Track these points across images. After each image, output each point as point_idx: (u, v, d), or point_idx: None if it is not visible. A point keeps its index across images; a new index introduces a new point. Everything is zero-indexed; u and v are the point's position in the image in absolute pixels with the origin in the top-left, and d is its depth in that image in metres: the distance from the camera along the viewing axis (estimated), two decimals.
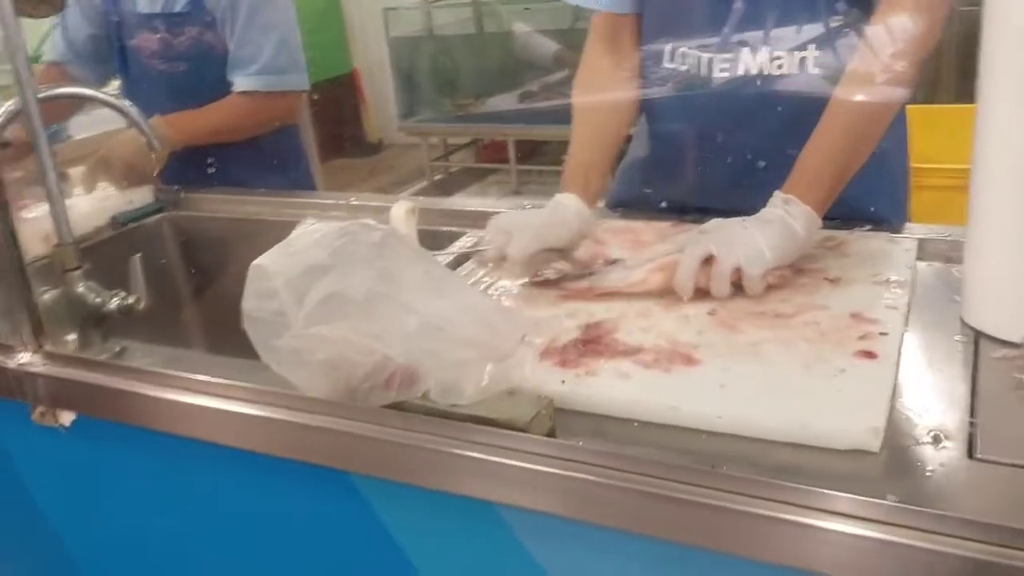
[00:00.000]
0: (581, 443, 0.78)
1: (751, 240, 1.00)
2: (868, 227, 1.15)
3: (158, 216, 1.66)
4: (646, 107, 1.33)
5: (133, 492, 1.04)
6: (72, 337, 1.03)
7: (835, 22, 1.14)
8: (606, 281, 1.05)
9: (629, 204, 1.36)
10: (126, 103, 1.31)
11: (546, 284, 1.08)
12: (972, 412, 0.78)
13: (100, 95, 1.29)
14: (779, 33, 1.17)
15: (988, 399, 0.79)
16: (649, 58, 1.28)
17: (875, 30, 1.07)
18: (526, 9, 5.36)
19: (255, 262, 0.88)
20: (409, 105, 5.47)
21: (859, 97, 1.06)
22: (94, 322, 1.05)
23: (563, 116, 4.62)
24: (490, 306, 0.85)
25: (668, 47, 1.24)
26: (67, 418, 1.01)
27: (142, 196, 1.67)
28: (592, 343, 0.95)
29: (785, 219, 1.02)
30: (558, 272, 1.09)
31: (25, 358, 1.02)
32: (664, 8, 1.25)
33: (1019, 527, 0.60)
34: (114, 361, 1.02)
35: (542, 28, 5.07)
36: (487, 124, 5.19)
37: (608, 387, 0.86)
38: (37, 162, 0.99)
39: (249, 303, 0.87)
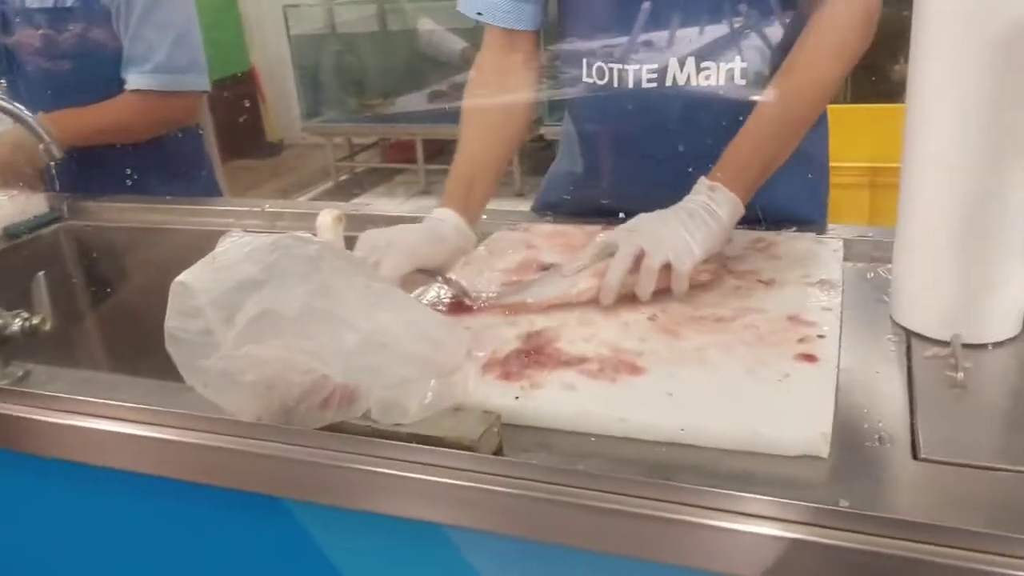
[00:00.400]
0: (535, 460, 0.76)
1: (678, 235, 1.00)
2: (794, 228, 1.17)
3: (54, 226, 1.56)
4: (572, 111, 1.32)
5: (44, 526, 0.96)
6: None
7: (740, 23, 1.15)
8: (547, 294, 1.03)
9: (557, 207, 1.35)
10: (15, 105, 1.21)
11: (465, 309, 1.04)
12: (912, 413, 0.79)
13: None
14: (694, 36, 1.17)
15: (926, 399, 0.81)
16: (569, 65, 1.26)
17: (809, 32, 1.09)
18: (430, 7, 5.32)
19: (178, 279, 0.82)
20: (313, 105, 5.34)
21: (790, 94, 1.08)
22: None
23: None
24: (434, 320, 0.82)
25: (585, 60, 1.23)
26: None
27: (36, 205, 1.56)
28: (535, 353, 0.93)
29: (709, 206, 1.02)
30: (461, 291, 1.05)
31: None
32: (582, 17, 1.24)
33: (976, 529, 0.61)
34: (17, 387, 0.94)
35: (447, 26, 5.03)
36: (395, 124, 5.12)
37: (555, 400, 0.85)
38: None
39: (172, 322, 0.81)
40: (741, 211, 1.05)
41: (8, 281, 1.03)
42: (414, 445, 0.78)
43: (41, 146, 1.20)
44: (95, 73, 1.72)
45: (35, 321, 0.95)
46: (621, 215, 1.20)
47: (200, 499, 0.87)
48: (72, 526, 0.95)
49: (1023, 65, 0.80)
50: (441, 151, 5.66)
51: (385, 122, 5.18)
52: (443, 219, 1.11)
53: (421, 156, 5.20)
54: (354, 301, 0.78)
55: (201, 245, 1.44)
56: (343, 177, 5.68)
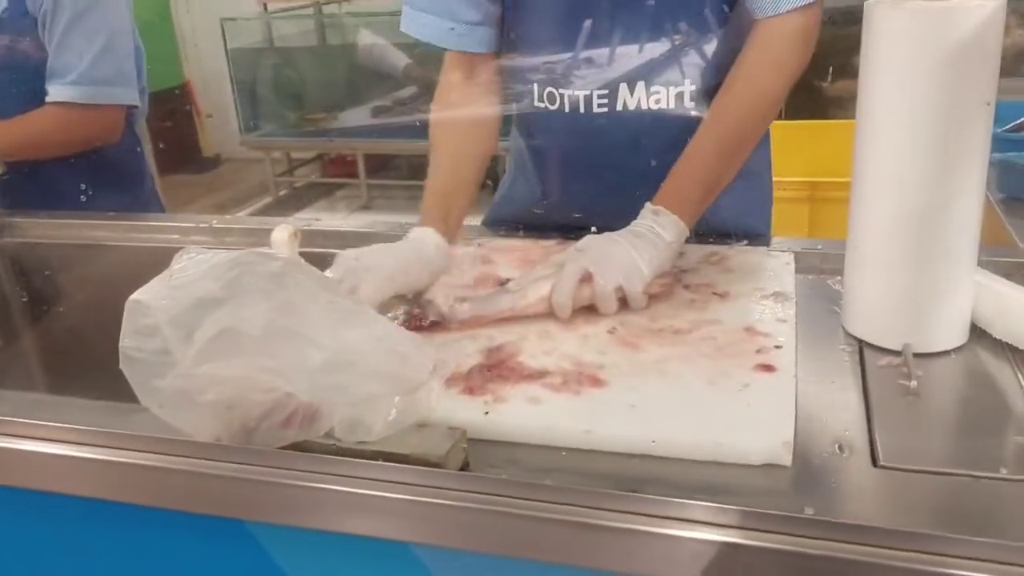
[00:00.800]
0: (503, 475, 0.76)
1: (627, 257, 1.02)
2: (745, 241, 1.20)
3: None
4: (522, 130, 1.33)
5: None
6: None
7: (680, 41, 1.17)
8: (494, 307, 1.02)
9: (509, 222, 1.35)
10: None
11: (425, 327, 1.02)
12: (869, 421, 0.82)
13: None
14: (636, 55, 1.18)
15: (881, 407, 0.83)
16: (519, 84, 1.27)
17: (747, 50, 1.11)
18: (370, 21, 5.29)
19: (133, 297, 0.80)
20: (252, 119, 5.26)
21: (730, 115, 1.10)
22: None
23: (415, 131, 4.61)
24: (400, 336, 0.81)
25: (536, 84, 1.24)
26: None
27: None
28: (496, 368, 0.93)
29: (655, 229, 1.05)
30: (438, 314, 1.03)
31: None
32: (527, 39, 1.24)
33: (938, 533, 0.63)
34: None
35: (387, 40, 5.01)
36: (336, 139, 5.06)
37: (520, 414, 0.84)
38: None
39: (127, 341, 0.79)
40: (686, 232, 1.08)
41: None
42: (380, 463, 0.77)
43: None
44: (23, 86, 1.66)
45: None
46: (574, 230, 1.22)
47: (157, 524, 0.84)
48: (22, 555, 0.91)
49: (969, 83, 0.83)
50: (383, 166, 5.63)
51: (326, 136, 5.13)
52: (423, 239, 1.11)
53: (363, 171, 5.16)
54: (319, 318, 0.77)
55: (145, 262, 1.42)
56: (283, 192, 5.60)
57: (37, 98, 1.65)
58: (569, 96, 1.20)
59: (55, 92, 1.63)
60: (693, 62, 1.17)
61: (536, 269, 1.08)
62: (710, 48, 1.16)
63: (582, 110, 1.20)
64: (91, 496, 0.84)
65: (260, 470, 0.79)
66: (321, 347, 0.77)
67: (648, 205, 1.08)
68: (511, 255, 1.21)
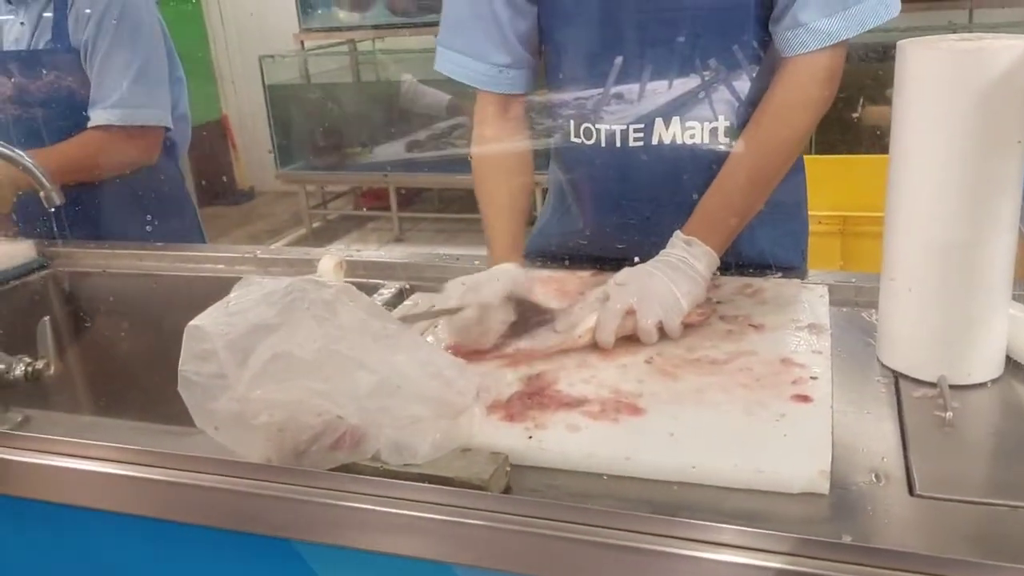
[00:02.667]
0: (548, 499, 0.78)
1: (666, 291, 1.05)
2: (779, 274, 1.21)
3: (42, 273, 1.55)
4: (561, 165, 1.36)
5: (52, 573, 0.95)
6: None
7: (710, 76, 1.20)
8: (542, 346, 1.05)
9: (548, 254, 1.38)
10: (15, 151, 1.22)
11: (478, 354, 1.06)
12: (905, 450, 0.83)
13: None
14: (667, 91, 1.22)
15: (917, 437, 0.84)
16: (556, 120, 1.31)
17: (775, 87, 1.14)
18: (403, 58, 5.41)
19: (192, 323, 0.84)
20: (287, 152, 5.37)
21: (758, 150, 1.14)
22: None
23: (447, 165, 4.67)
24: (445, 361, 0.84)
25: (572, 120, 1.28)
26: None
27: (24, 252, 1.56)
28: (536, 395, 0.95)
29: (689, 260, 1.08)
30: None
31: None
32: (564, 78, 1.28)
33: (976, 560, 0.64)
34: (19, 432, 0.93)
35: (421, 78, 5.12)
36: (372, 172, 5.15)
37: (560, 440, 0.87)
38: None
39: (186, 365, 0.83)
40: (717, 262, 1.11)
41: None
42: (425, 485, 0.79)
43: (42, 193, 1.20)
44: (71, 117, 1.75)
45: (39, 366, 0.95)
46: (610, 262, 1.24)
47: (209, 543, 0.87)
48: (77, 572, 0.94)
49: (1001, 121, 0.85)
50: (414, 199, 5.71)
51: (359, 170, 5.22)
52: (509, 271, 1.15)
53: (395, 204, 5.24)
54: (369, 343, 0.80)
55: (193, 290, 1.47)
56: (316, 224, 5.69)
57: (83, 127, 1.76)
58: (605, 131, 1.24)
59: (95, 117, 1.74)
60: (726, 98, 1.20)
61: (577, 306, 1.09)
62: (743, 84, 1.19)
63: (618, 144, 1.24)
64: (145, 515, 0.87)
65: (309, 491, 0.81)
66: (370, 371, 0.80)
67: (679, 234, 1.12)
68: (548, 286, 1.24)
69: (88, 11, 1.71)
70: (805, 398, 0.89)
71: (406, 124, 5.07)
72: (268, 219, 6.01)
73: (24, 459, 0.90)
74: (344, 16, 5.51)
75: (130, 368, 1.24)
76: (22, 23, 1.75)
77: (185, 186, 2.01)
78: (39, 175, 1.20)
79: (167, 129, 1.85)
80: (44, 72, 1.74)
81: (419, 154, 4.81)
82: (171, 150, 1.92)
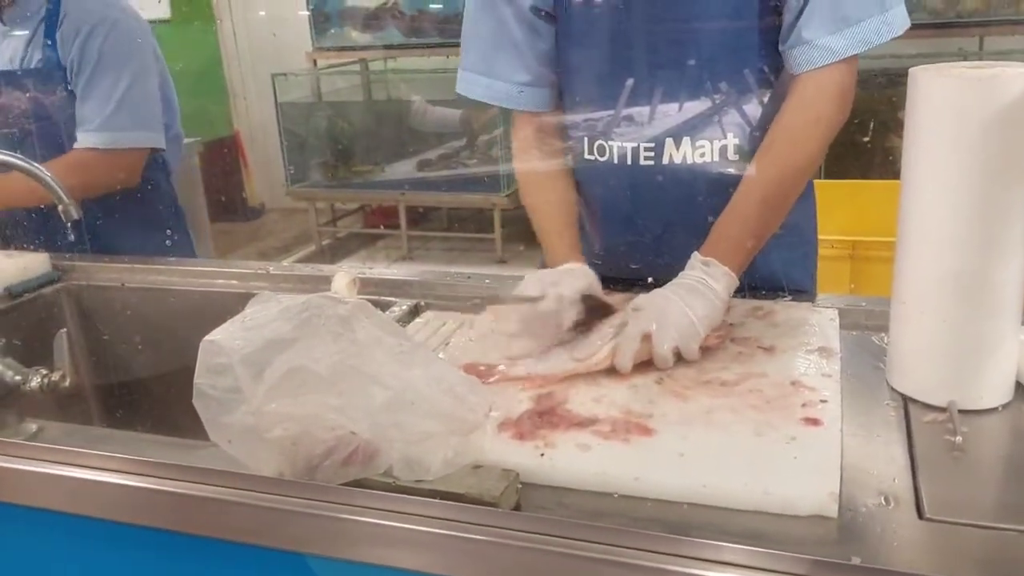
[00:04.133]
0: (558, 516, 0.78)
1: (683, 317, 1.05)
2: (789, 297, 1.22)
3: (55, 286, 1.57)
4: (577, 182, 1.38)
5: None
6: None
7: (720, 100, 1.22)
8: (556, 369, 1.05)
9: None
10: (34, 165, 1.24)
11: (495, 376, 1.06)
12: (914, 474, 0.83)
13: (20, 162, 1.21)
14: (679, 112, 1.23)
15: (927, 461, 0.84)
16: (571, 138, 1.32)
17: (786, 108, 1.15)
18: (413, 78, 5.46)
19: (207, 337, 0.85)
20: (298, 169, 5.41)
21: (772, 169, 1.14)
22: (10, 401, 0.97)
23: (459, 185, 4.69)
24: (458, 378, 0.85)
25: (586, 137, 1.30)
26: None
27: (37, 265, 1.57)
28: (547, 414, 0.95)
29: (707, 282, 1.09)
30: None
31: None
32: (577, 97, 1.31)
33: None
34: (33, 442, 0.94)
35: (434, 97, 5.17)
36: (382, 190, 5.19)
37: (571, 459, 0.87)
38: None
39: (201, 379, 0.83)
40: (735, 283, 1.12)
41: (10, 339, 1.04)
42: (437, 501, 0.80)
43: (60, 207, 1.22)
44: (58, 135, 1.78)
45: (55, 378, 0.96)
46: (624, 281, 1.25)
47: (220, 556, 0.87)
48: None
49: (1012, 148, 0.86)
50: (422, 218, 5.74)
51: (369, 188, 5.25)
52: (579, 268, 1.19)
53: (404, 222, 5.27)
54: (383, 359, 0.81)
55: (205, 305, 1.48)
56: (325, 241, 5.72)
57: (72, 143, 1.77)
58: (616, 149, 1.25)
59: (81, 139, 1.75)
60: (736, 119, 1.21)
61: (594, 332, 1.10)
62: (753, 105, 1.20)
63: (629, 163, 1.25)
64: (157, 527, 0.88)
65: (321, 505, 0.82)
66: (384, 387, 0.81)
67: (697, 255, 1.12)
68: None
69: (75, 31, 1.72)
70: (815, 421, 0.90)
71: (417, 143, 5.11)
72: (278, 236, 6.04)
73: (38, 469, 0.91)
74: (356, 36, 5.57)
75: (142, 381, 1.25)
76: (16, 41, 1.77)
77: (179, 204, 2.01)
78: (57, 189, 1.22)
79: (159, 150, 1.85)
80: (33, 91, 1.76)
81: (429, 173, 4.84)
82: (163, 168, 1.93)
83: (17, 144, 1.79)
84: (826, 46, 1.11)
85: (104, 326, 1.48)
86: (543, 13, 1.26)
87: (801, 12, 1.12)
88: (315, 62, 5.63)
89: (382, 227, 5.67)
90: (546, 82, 1.31)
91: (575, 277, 1.14)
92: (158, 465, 0.88)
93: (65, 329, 0.99)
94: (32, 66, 1.77)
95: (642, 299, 1.09)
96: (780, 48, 1.16)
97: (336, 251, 5.61)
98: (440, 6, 5.28)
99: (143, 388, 1.25)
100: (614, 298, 1.20)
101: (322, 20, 5.58)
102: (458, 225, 5.72)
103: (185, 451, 0.94)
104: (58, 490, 0.91)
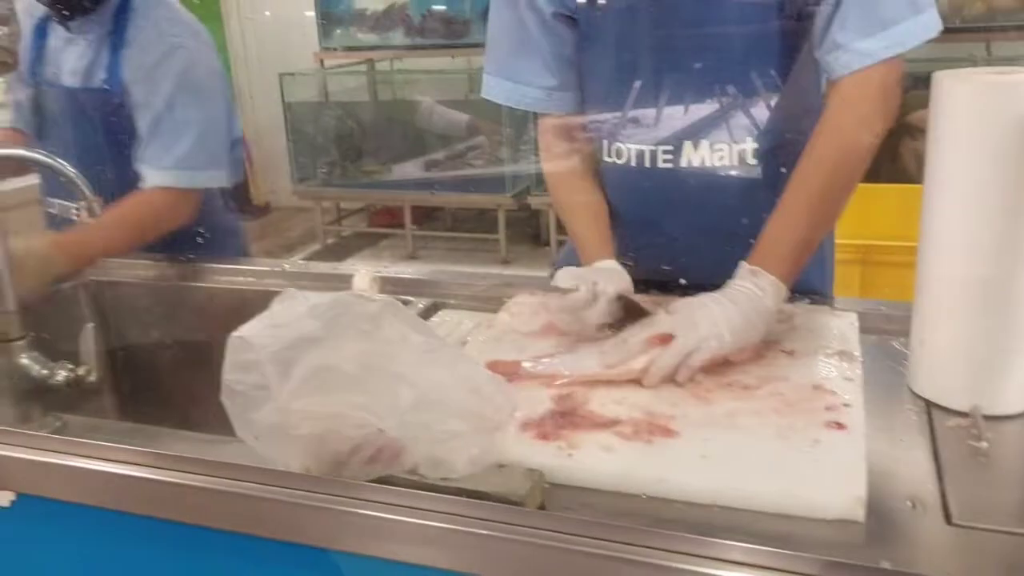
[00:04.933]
0: (586, 516, 0.78)
1: (717, 331, 1.01)
2: (807, 300, 1.22)
3: (73, 282, 1.57)
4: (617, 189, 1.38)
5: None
6: (12, 412, 0.95)
7: (729, 102, 1.21)
8: (580, 369, 1.04)
9: None
10: (58, 160, 1.24)
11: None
12: (940, 479, 0.83)
13: (40, 157, 1.22)
14: (698, 115, 1.23)
15: (952, 467, 0.85)
16: (590, 139, 1.33)
17: (829, 111, 1.15)
18: (419, 78, 5.47)
19: (236, 334, 0.85)
20: (305, 169, 5.42)
21: (818, 174, 1.12)
22: (36, 395, 0.98)
23: (464, 185, 4.69)
24: (484, 377, 0.85)
25: (605, 140, 1.30)
26: (5, 498, 0.93)
27: None
28: (568, 415, 0.96)
29: (755, 293, 1.05)
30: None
31: None
32: (596, 98, 1.31)
33: None
34: (61, 436, 0.94)
35: (440, 98, 5.18)
36: (388, 190, 5.20)
37: (593, 460, 0.87)
38: None
39: (230, 375, 0.84)
40: (785, 294, 1.08)
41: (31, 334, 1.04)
42: (463, 499, 0.80)
43: (83, 203, 1.22)
44: (115, 159, 1.64)
45: (80, 372, 0.96)
46: (640, 283, 1.25)
47: (244, 551, 0.88)
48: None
49: None
50: (426, 217, 5.75)
51: (375, 188, 5.26)
52: (613, 265, 1.19)
53: (409, 222, 5.28)
54: (411, 357, 0.81)
55: (221, 302, 1.48)
56: (330, 240, 5.73)
57: (128, 163, 1.64)
58: (634, 151, 1.26)
59: (151, 177, 1.61)
60: (755, 121, 1.21)
61: (627, 335, 1.06)
62: (774, 107, 1.20)
63: (647, 165, 1.25)
64: (182, 521, 0.88)
65: (346, 501, 0.82)
66: (411, 385, 0.81)
67: (745, 265, 1.08)
68: None
69: (143, 56, 1.60)
70: (839, 425, 0.90)
71: (423, 143, 5.12)
72: (283, 234, 6.05)
73: (64, 463, 0.91)
74: (363, 36, 5.58)
75: (161, 377, 1.26)
76: (79, 52, 1.65)
77: (239, 224, 1.91)
78: (80, 185, 1.22)
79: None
80: (90, 111, 1.64)
81: (436, 173, 4.85)
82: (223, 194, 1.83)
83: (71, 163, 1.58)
84: (861, 50, 1.11)
85: (122, 321, 1.48)
86: (565, 18, 1.27)
87: (833, 16, 1.12)
88: (322, 62, 5.64)
89: (402, 228, 5.70)
90: (571, 85, 1.32)
91: (611, 276, 1.14)
92: (184, 460, 0.88)
93: (92, 324, 0.99)
94: (92, 85, 1.64)
95: (680, 304, 1.07)
96: (815, 53, 1.16)
97: (341, 250, 5.61)
98: (446, 8, 5.29)
99: (162, 384, 1.25)
100: (646, 301, 1.19)
101: (330, 21, 5.60)
102: (462, 225, 5.73)
103: (209, 446, 0.94)
104: (84, 484, 0.91)
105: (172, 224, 1.63)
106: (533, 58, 1.29)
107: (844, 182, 1.14)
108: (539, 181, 4.74)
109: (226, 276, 1.54)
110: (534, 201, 4.91)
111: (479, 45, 5.13)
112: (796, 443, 0.88)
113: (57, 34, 1.67)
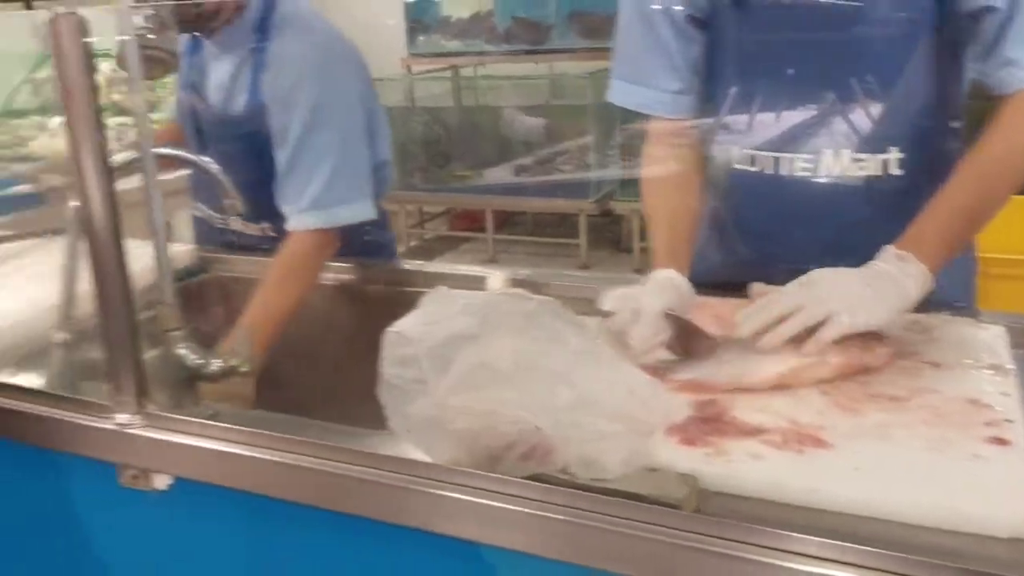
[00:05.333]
0: (745, 522, 0.78)
1: (849, 306, 0.99)
2: (947, 312, 1.19)
3: (200, 277, 1.63)
4: (720, 188, 1.37)
5: (237, 560, 0.99)
6: (169, 399, 0.99)
7: (889, 109, 1.19)
8: (716, 378, 1.02)
9: (697, 281, 1.38)
10: (200, 158, 1.29)
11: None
12: None
13: (191, 157, 1.26)
14: (838, 124, 1.21)
15: None
16: (721, 146, 1.31)
17: (1001, 117, 1.11)
18: (502, 84, 5.51)
19: (392, 329, 0.87)
20: (396, 174, 5.50)
21: (983, 172, 1.09)
22: (189, 384, 1.01)
23: (547, 189, 4.67)
24: (641, 380, 0.85)
25: (735, 146, 1.29)
26: (162, 481, 0.97)
27: (182, 257, 1.63)
28: (713, 421, 0.95)
29: (898, 277, 1.02)
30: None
31: (125, 419, 0.98)
32: (731, 102, 1.30)
33: None
34: (220, 423, 0.98)
35: (522, 103, 5.21)
36: (474, 195, 5.26)
37: (744, 467, 0.86)
38: (148, 219, 0.97)
39: (388, 370, 0.86)
40: (929, 286, 1.04)
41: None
42: (617, 500, 0.80)
43: (226, 201, 1.27)
44: (258, 185, 1.53)
45: (233, 363, 1.00)
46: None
47: (394, 540, 0.89)
48: (273, 561, 0.98)
49: None
50: (506, 221, 5.78)
51: (461, 192, 5.32)
52: (672, 279, 1.16)
53: (491, 226, 5.32)
54: (568, 357, 0.82)
55: (361, 299, 1.52)
56: (413, 243, 5.81)
57: (268, 189, 1.55)
58: (770, 159, 1.24)
59: (294, 221, 1.51)
60: (902, 132, 1.18)
61: (763, 314, 1.03)
62: (924, 117, 1.17)
63: (782, 173, 1.24)
64: (335, 509, 0.91)
65: (503, 497, 0.83)
66: (567, 384, 0.82)
67: (890, 248, 1.05)
68: (702, 311, 1.24)
69: (278, 80, 1.50)
70: (1003, 441, 0.87)
71: (506, 148, 5.15)
72: None
73: (217, 448, 0.95)
74: (448, 43, 5.65)
75: (302, 371, 1.29)
76: (224, 70, 1.57)
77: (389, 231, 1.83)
78: (224, 182, 1.26)
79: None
80: (232, 139, 1.57)
81: (523, 178, 4.88)
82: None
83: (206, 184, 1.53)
84: None
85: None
86: (696, 20, 1.26)
87: (1005, 31, 1.08)
88: (409, 68, 5.72)
89: (452, 229, 5.76)
90: (695, 89, 1.31)
91: (661, 291, 1.11)
92: (335, 449, 0.91)
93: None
94: (234, 110, 1.56)
95: (818, 275, 1.04)
96: (979, 65, 1.13)
97: (423, 253, 5.68)
98: (531, 14, 5.32)
99: (305, 377, 1.29)
100: (727, 304, 1.19)
101: (417, 29, 5.68)
102: (542, 230, 5.75)
103: (352, 438, 0.96)
104: (236, 469, 0.94)
105: (327, 257, 1.54)
106: (661, 60, 1.29)
107: (1005, 189, 1.11)
108: (624, 186, 4.73)
109: (349, 274, 1.58)
110: (618, 206, 4.90)
111: (561, 51, 5.15)
112: (953, 457, 0.86)
113: (209, 47, 1.60)
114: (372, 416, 0.90)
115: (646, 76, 1.30)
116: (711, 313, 1.23)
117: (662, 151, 1.32)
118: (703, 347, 1.08)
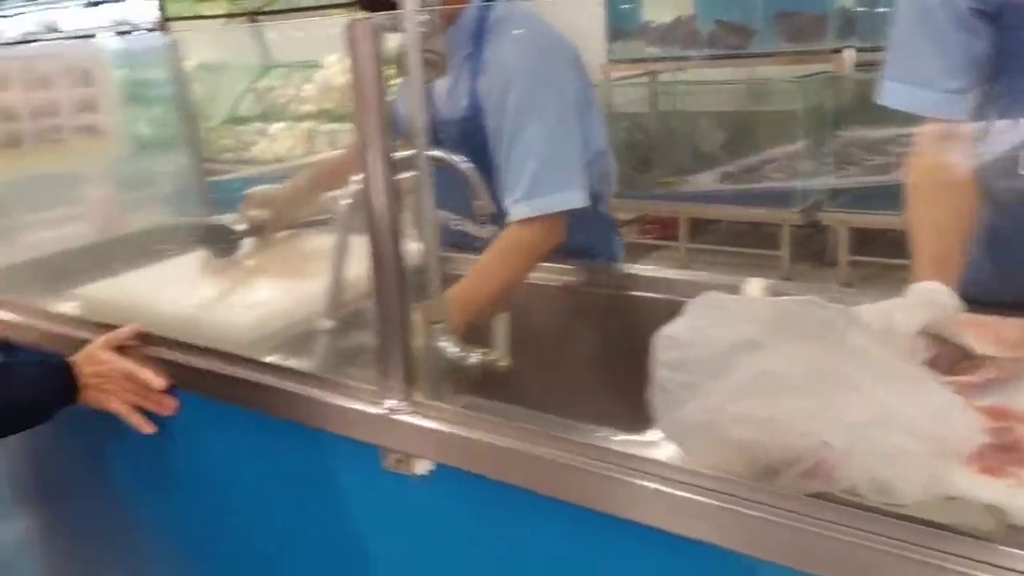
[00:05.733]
0: None
1: None
2: None
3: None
4: (998, 198, 1.25)
5: (487, 547, 1.01)
6: (433, 388, 1.02)
7: None
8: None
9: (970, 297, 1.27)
10: (452, 157, 1.33)
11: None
12: None
13: (448, 157, 1.30)
14: None
15: None
16: (1003, 156, 1.20)
17: None
18: (700, 90, 5.40)
19: (667, 332, 0.85)
20: None
21: None
22: (448, 375, 1.04)
23: (748, 198, 4.51)
24: (952, 401, 0.78)
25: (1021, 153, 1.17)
26: (423, 467, 1.00)
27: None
28: (1012, 451, 0.86)
29: None
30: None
31: (392, 404, 1.02)
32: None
33: None
34: (494, 417, 0.99)
35: (719, 109, 5.08)
36: (674, 202, 5.20)
37: None
38: (419, 216, 1.00)
39: (661, 373, 0.84)
40: None
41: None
42: (917, 527, 0.74)
43: (477, 203, 1.31)
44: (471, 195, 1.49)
45: (492, 357, 1.01)
46: None
47: (669, 549, 0.87)
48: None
49: None
50: (699, 229, 5.64)
51: (655, 199, 5.27)
52: (935, 291, 1.10)
53: (683, 234, 5.22)
54: (867, 370, 0.77)
55: (605, 304, 1.54)
56: None
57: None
58: None
59: (511, 211, 1.53)
60: None
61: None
62: None
63: None
64: (587, 506, 0.90)
65: (783, 513, 0.79)
66: (864, 400, 0.77)
67: None
68: (980, 330, 1.13)
69: (491, 85, 1.53)
70: None
71: (709, 155, 5.04)
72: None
73: (476, 437, 0.96)
74: (649, 49, 5.60)
75: (552, 371, 1.31)
76: (446, 78, 1.55)
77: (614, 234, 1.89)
78: (477, 184, 1.30)
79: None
80: (456, 145, 1.52)
81: (728, 185, 4.76)
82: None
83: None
84: None
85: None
86: (982, 13, 1.16)
87: None
88: (608, 74, 5.72)
89: (661, 238, 5.67)
90: (972, 88, 1.21)
91: (918, 307, 1.03)
92: (590, 447, 0.90)
93: (507, 313, 1.05)
94: (456, 115, 1.58)
95: None
96: None
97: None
98: (735, 18, 5.17)
99: (557, 377, 1.31)
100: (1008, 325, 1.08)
101: (618, 35, 5.67)
102: (737, 240, 5.57)
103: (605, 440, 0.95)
104: (494, 459, 0.95)
105: (543, 249, 1.55)
106: (939, 58, 1.19)
107: None
108: (834, 196, 4.50)
109: (600, 277, 1.60)
110: (825, 217, 4.66)
111: (764, 55, 4.96)
112: None
113: None
114: (598, 414, 0.90)
115: (923, 76, 1.21)
116: (992, 333, 1.13)
117: (935, 154, 1.23)
118: (973, 369, 0.99)
